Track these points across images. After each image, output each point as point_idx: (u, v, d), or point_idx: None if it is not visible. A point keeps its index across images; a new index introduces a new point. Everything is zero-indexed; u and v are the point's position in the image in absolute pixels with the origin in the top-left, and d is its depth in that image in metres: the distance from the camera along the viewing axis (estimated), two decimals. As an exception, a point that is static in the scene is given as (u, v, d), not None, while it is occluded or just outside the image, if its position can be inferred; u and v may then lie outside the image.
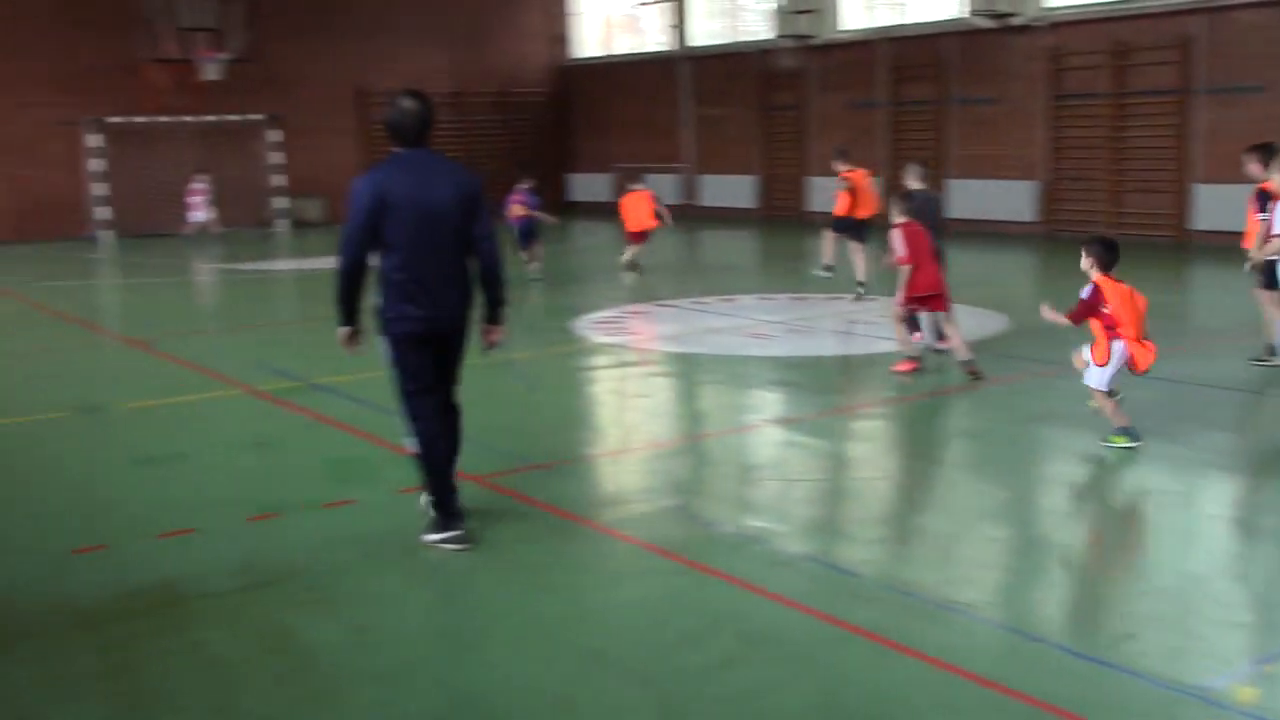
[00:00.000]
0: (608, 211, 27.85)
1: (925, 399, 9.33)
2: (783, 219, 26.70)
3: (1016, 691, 4.38)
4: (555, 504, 6.76)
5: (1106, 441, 7.62)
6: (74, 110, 25.52)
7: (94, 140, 25.49)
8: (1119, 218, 20.68)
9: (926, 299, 9.86)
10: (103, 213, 25.64)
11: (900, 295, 9.83)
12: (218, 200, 25.26)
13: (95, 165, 25.59)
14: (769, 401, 9.63)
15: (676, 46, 29.29)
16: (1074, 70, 21.52)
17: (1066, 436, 8.05)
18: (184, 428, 8.84)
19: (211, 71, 25.51)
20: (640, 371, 10.85)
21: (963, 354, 9.65)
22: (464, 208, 5.96)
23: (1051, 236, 21.50)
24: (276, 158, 27.15)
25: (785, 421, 8.82)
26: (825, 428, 8.63)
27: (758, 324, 12.85)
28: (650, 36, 30.33)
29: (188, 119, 26.37)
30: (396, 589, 5.61)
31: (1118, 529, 6.68)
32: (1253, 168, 10.00)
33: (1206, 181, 19.57)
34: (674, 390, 10.36)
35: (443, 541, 6.06)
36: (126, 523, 6.67)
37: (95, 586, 5.69)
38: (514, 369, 9.95)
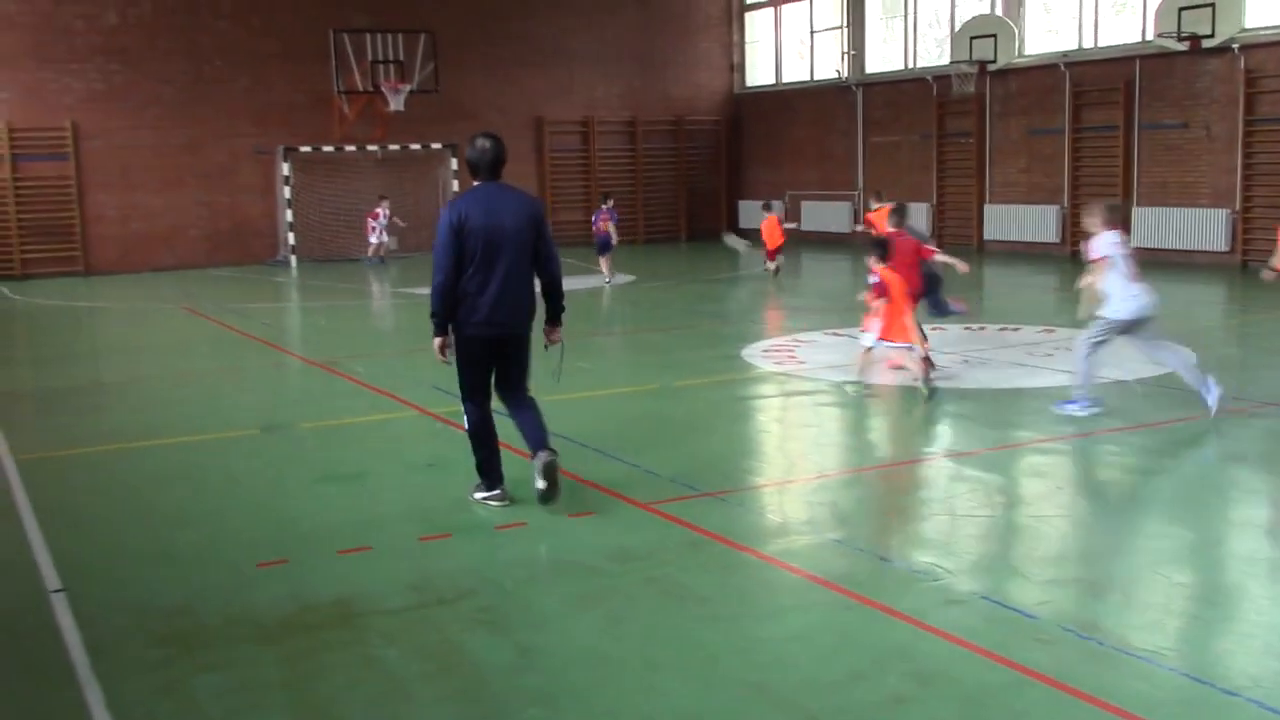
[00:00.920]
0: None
1: (1105, 434, 9.00)
2: (957, 247, 26.18)
3: (1203, 746, 4.17)
4: (721, 533, 6.73)
5: None
6: (267, 139, 26.75)
7: (285, 168, 26.65)
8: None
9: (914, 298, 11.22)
10: (290, 238, 26.76)
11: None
12: (398, 226, 26.15)
13: (286, 192, 26.75)
14: (939, 434, 9.42)
15: (850, 74, 29.08)
16: (1268, 94, 20.57)
17: (1257, 477, 7.65)
18: (361, 447, 9.12)
19: (396, 102, 26.41)
20: (808, 401, 10.74)
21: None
22: (531, 230, 7.00)
23: (1244, 266, 20.54)
24: (456, 186, 27.92)
25: (956, 455, 8.61)
26: (998, 462, 8.40)
27: (930, 354, 12.57)
28: (824, 64, 30.18)
29: (371, 148, 27.35)
30: (563, 612, 5.66)
31: (1316, 578, 6.31)
32: None
33: None
34: (842, 420, 10.23)
35: (486, 499, 7.31)
36: (306, 538, 6.90)
37: (276, 599, 5.89)
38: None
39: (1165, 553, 6.43)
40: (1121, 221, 10.35)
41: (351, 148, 27.26)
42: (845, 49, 29.28)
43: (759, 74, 32.33)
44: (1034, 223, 24.56)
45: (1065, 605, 5.62)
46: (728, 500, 7.47)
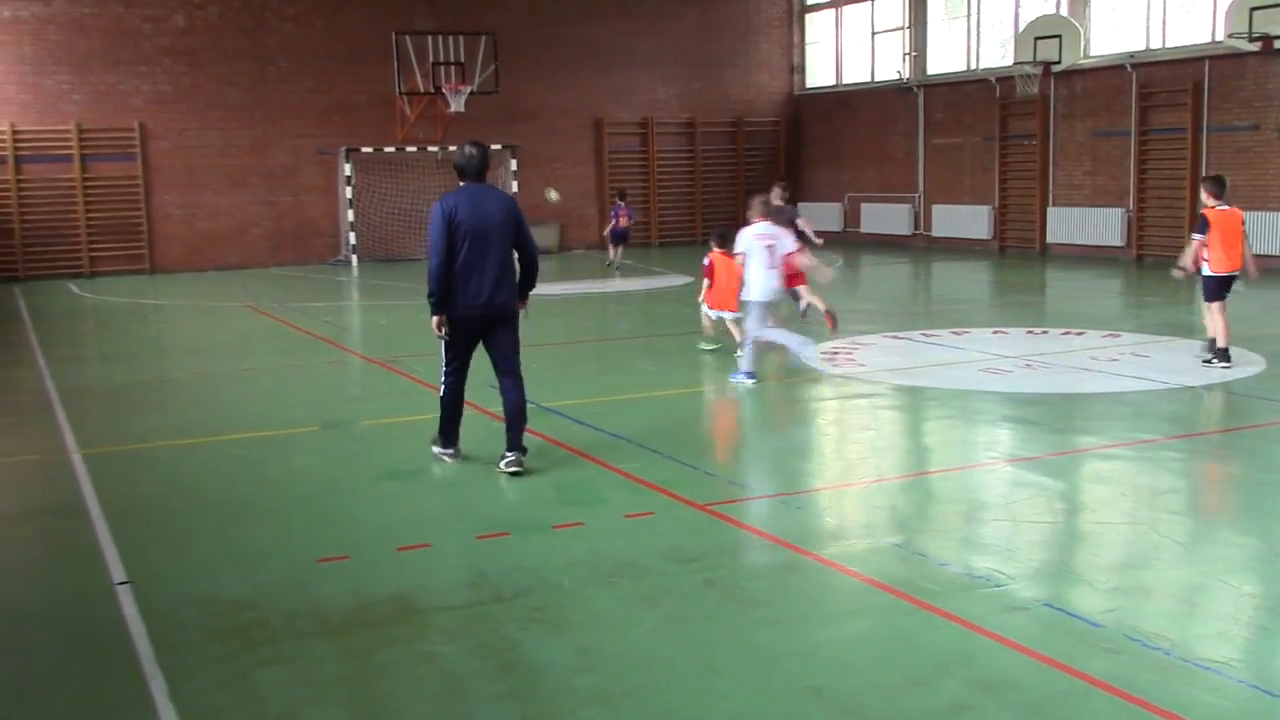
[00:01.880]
0: (839, 241, 27.67)
1: (1171, 441, 8.86)
2: (1019, 250, 25.90)
3: (1273, 760, 4.08)
4: (779, 535, 6.70)
5: None
6: (330, 140, 27.04)
7: (347, 169, 26.92)
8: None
9: (793, 279, 13.40)
10: (352, 238, 27.02)
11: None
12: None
13: (347, 193, 27.02)
14: (1000, 439, 9.31)
15: (911, 75, 28.86)
16: (1343, 95, 20.15)
17: (1331, 487, 7.48)
18: (420, 445, 9.17)
19: (457, 104, 26.58)
20: (867, 404, 10.67)
21: (820, 305, 14.05)
22: (511, 223, 8.11)
23: (1315, 272, 20.11)
24: (516, 186, 28.05)
25: (1017, 460, 8.51)
26: (1059, 468, 8.28)
27: (990, 358, 12.46)
28: (885, 65, 29.98)
29: (432, 149, 27.54)
30: (620, 613, 5.65)
31: (1390, 590, 6.16)
32: None
33: None
34: (901, 424, 10.14)
35: (440, 454, 8.47)
36: (366, 535, 6.96)
37: (337, 595, 5.95)
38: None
39: (1233, 562, 6.31)
40: (777, 214, 12.42)
41: (412, 149, 27.48)
42: (907, 50, 29.05)
43: (819, 75, 32.18)
44: (1098, 226, 24.22)
45: (1130, 614, 5.53)
46: (785, 503, 7.43)
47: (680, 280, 21.28)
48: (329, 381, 12.60)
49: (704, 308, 13.14)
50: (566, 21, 29.19)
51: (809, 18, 32.11)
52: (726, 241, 12.85)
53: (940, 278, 22.72)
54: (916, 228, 28.36)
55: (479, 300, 8.00)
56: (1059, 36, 24.39)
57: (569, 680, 4.93)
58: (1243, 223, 11.83)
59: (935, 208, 28.15)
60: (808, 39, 32.25)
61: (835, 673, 4.95)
